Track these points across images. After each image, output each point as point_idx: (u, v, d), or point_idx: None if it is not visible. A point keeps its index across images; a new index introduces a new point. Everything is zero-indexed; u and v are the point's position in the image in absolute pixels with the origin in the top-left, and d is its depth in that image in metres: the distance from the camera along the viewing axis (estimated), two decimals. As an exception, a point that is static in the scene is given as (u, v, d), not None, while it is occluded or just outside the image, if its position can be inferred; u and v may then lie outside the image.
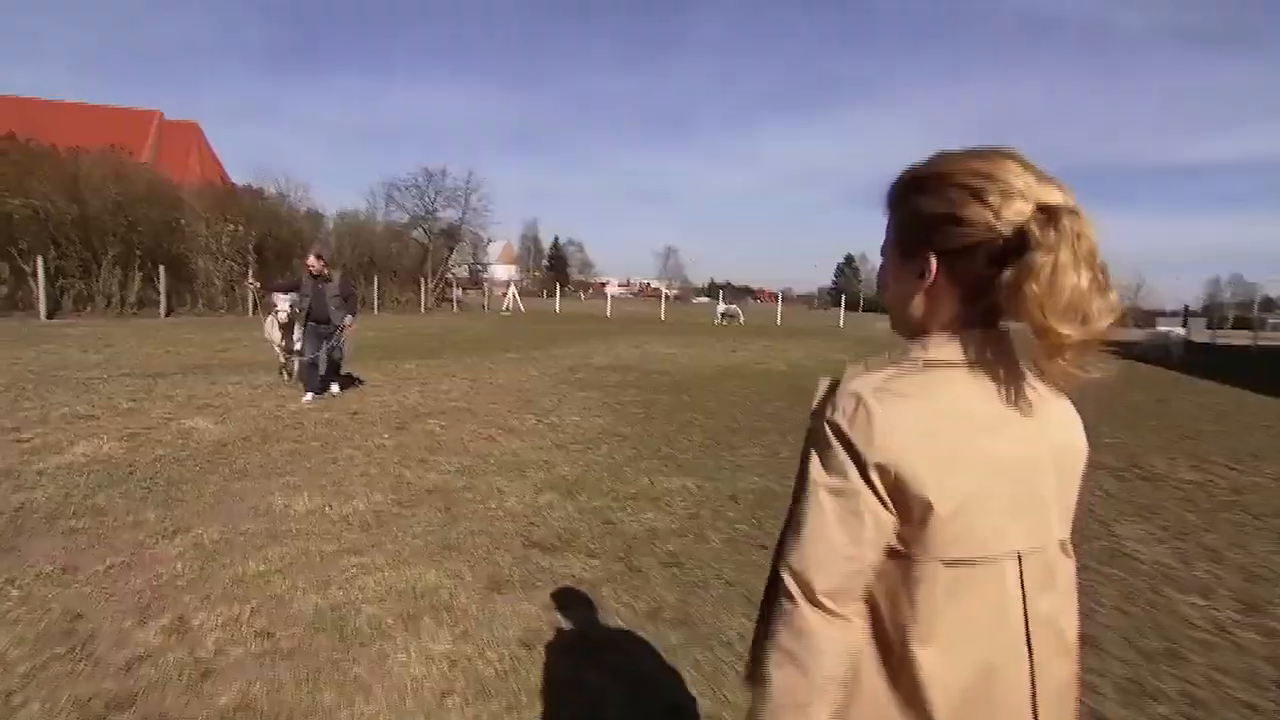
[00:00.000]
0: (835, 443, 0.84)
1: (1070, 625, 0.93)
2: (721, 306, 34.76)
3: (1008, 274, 0.82)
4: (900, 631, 0.85)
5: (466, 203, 42.83)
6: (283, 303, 8.13)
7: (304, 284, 7.97)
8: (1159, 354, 18.82)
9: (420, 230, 42.25)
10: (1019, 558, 0.86)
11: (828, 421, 0.85)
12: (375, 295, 31.63)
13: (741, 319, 33.69)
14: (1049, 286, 0.79)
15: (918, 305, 0.92)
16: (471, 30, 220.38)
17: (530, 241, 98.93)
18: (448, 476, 5.22)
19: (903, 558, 0.85)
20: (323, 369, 8.04)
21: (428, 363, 12.04)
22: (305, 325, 8.05)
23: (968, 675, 0.84)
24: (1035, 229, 0.81)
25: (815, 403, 0.90)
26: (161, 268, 22.65)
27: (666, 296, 49.31)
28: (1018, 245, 0.82)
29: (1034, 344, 0.83)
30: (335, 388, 8.13)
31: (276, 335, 8.54)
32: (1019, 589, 0.86)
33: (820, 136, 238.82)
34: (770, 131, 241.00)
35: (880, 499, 0.83)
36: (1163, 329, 20.52)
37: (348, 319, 8.07)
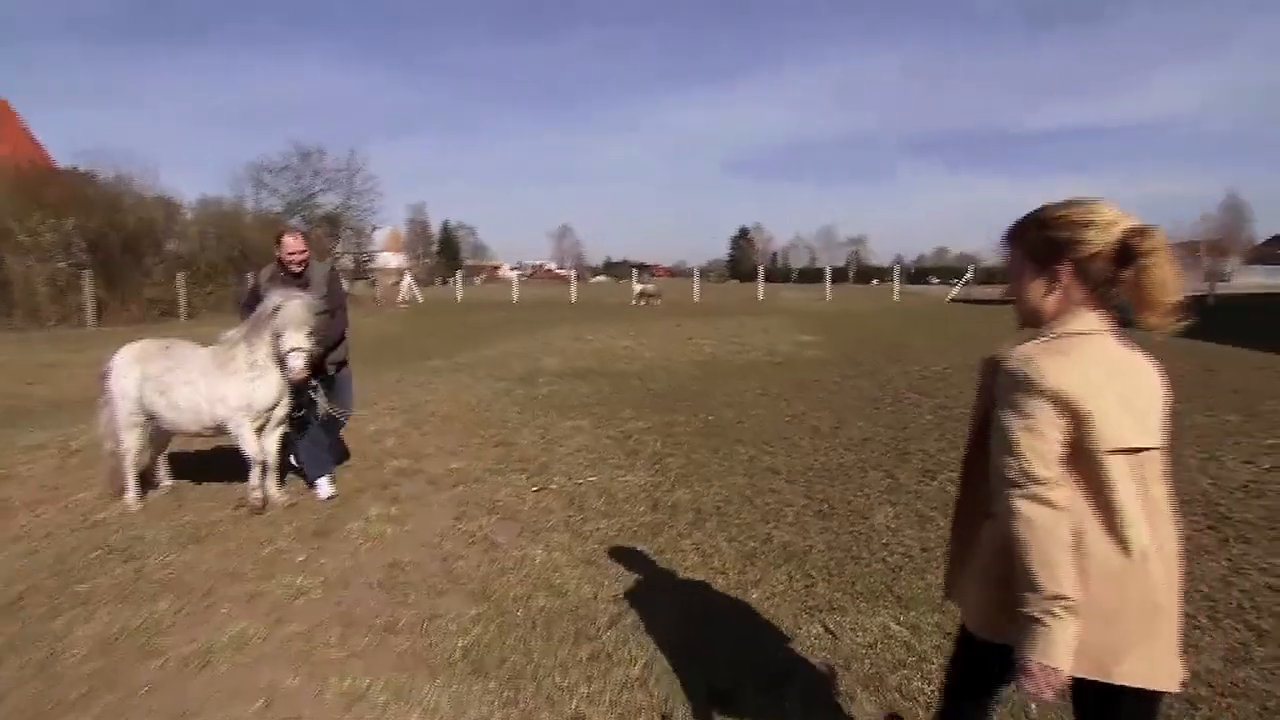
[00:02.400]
0: (1021, 385, 1.39)
1: (1170, 509, 1.46)
2: (638, 286, 32.61)
3: (1128, 272, 1.40)
4: (1103, 506, 1.39)
5: (350, 185, 38.25)
6: (292, 333, 4.18)
7: (267, 287, 4.50)
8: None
9: (298, 218, 37.41)
10: (1147, 452, 1.41)
11: (1014, 374, 1.40)
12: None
13: (660, 299, 31.74)
14: (1161, 276, 1.38)
15: (1051, 302, 1.49)
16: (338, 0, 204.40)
17: (419, 227, 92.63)
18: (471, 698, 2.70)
19: (1084, 450, 1.37)
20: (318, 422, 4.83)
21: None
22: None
23: (1147, 538, 1.39)
24: (1137, 242, 1.39)
25: (988, 371, 1.53)
26: (-43, 274, 17.85)
27: (571, 277, 46.95)
28: (1123, 254, 1.40)
29: (1147, 313, 1.40)
30: (326, 485, 4.75)
31: (263, 397, 4.36)
32: (1147, 475, 1.42)
33: (705, 107, 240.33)
34: (657, 104, 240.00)
35: (1053, 418, 1.36)
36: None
37: (345, 345, 4.88)
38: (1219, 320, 13.19)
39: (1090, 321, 1.44)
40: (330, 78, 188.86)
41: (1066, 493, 1.37)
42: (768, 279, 41.33)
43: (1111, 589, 1.36)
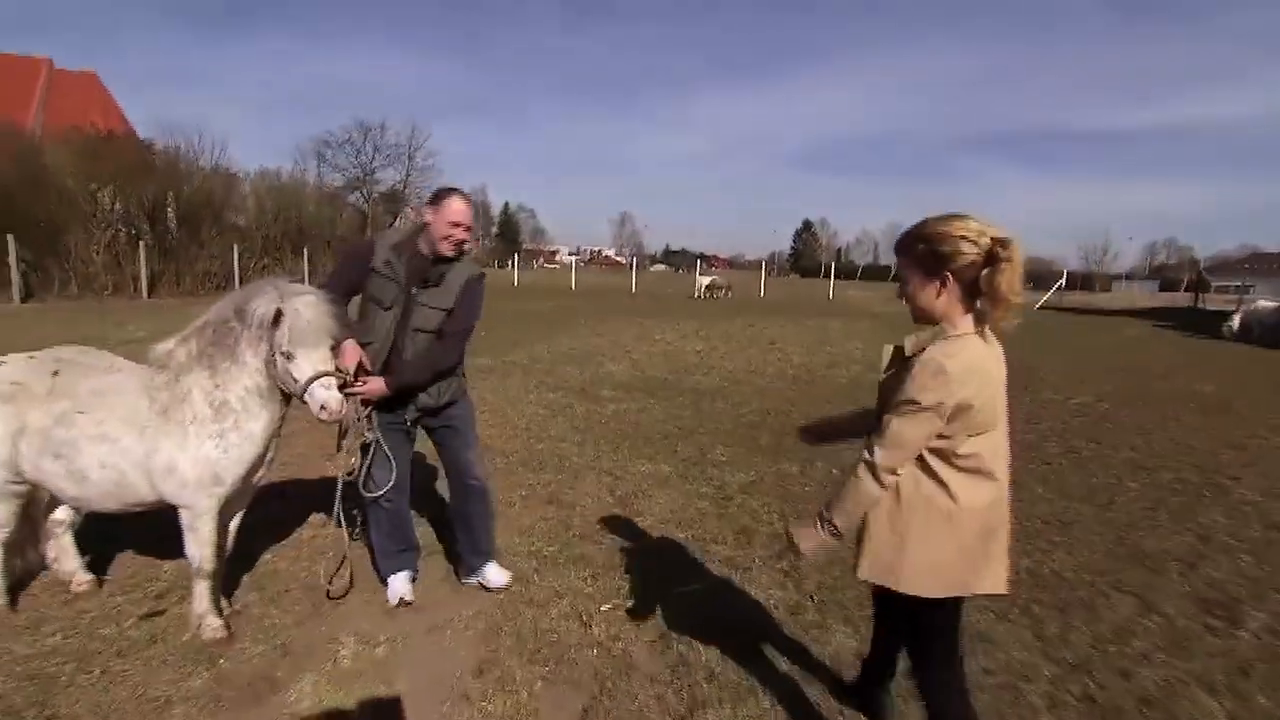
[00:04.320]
0: (928, 385, 1.69)
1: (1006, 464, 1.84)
2: (706, 279, 30.66)
3: (985, 273, 1.70)
4: (951, 472, 1.77)
5: (410, 162, 37.42)
6: (310, 352, 2.56)
7: (386, 267, 2.88)
8: (1269, 334, 15.72)
9: (358, 194, 36.88)
10: (999, 429, 1.80)
11: (920, 376, 1.70)
12: (307, 269, 26.60)
13: (729, 292, 29.76)
14: (1010, 279, 1.68)
15: (940, 305, 1.78)
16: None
17: (479, 208, 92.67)
18: None
19: (961, 430, 1.73)
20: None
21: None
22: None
23: (991, 494, 1.80)
24: (999, 250, 1.69)
25: (892, 360, 1.91)
26: (10, 238, 17.37)
27: (630, 266, 45.34)
28: (988, 259, 1.70)
29: (998, 310, 1.71)
30: (494, 573, 3.24)
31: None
32: (998, 444, 1.80)
33: (771, 100, 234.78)
34: (721, 95, 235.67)
35: (940, 414, 1.70)
36: (1267, 303, 17.29)
37: (458, 377, 3.11)
38: None
39: (968, 323, 1.76)
40: (393, 61, 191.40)
41: (895, 479, 1.80)
42: (825, 274, 38.95)
43: (968, 531, 1.78)
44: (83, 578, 3.12)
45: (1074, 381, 9.82)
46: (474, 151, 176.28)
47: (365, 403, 2.82)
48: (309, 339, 2.53)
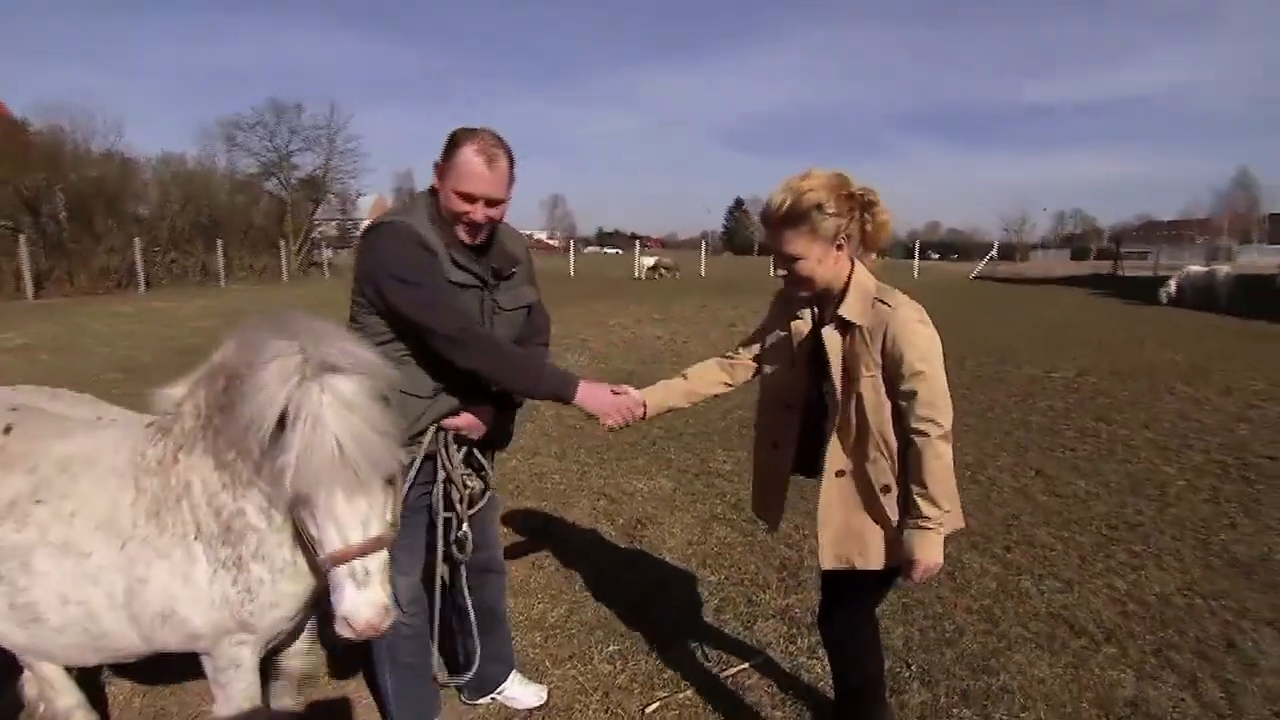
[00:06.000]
0: (928, 334, 1.63)
1: None
2: (650, 259, 29.80)
3: (869, 227, 1.68)
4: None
5: (331, 145, 34.85)
6: (341, 504, 1.37)
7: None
8: (1200, 297, 16.21)
9: (275, 180, 34.26)
10: None
11: (915, 330, 1.62)
12: (222, 264, 24.47)
13: (677, 272, 29.06)
14: (884, 228, 1.69)
15: (840, 270, 1.69)
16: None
17: (405, 195, 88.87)
18: None
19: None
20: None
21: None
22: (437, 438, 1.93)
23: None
24: (876, 203, 1.67)
25: (875, 314, 1.67)
26: None
27: (565, 248, 44.21)
28: (865, 213, 1.67)
29: (871, 255, 1.74)
30: (519, 690, 2.33)
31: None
32: None
33: (699, 77, 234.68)
34: (650, 74, 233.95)
35: None
36: (1197, 268, 17.86)
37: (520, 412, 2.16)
38: None
39: (865, 273, 1.74)
40: (312, 38, 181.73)
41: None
42: (764, 252, 38.94)
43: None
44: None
45: (1047, 354, 9.60)
46: (400, 135, 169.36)
47: (460, 440, 1.95)
48: (334, 479, 1.33)
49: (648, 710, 2.27)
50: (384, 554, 1.42)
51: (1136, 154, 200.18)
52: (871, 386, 1.64)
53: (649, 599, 3.03)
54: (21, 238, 18.45)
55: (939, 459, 1.59)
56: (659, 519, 3.88)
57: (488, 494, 2.08)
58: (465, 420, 1.91)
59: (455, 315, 1.74)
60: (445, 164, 1.78)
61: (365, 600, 1.37)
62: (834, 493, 1.72)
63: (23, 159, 19.64)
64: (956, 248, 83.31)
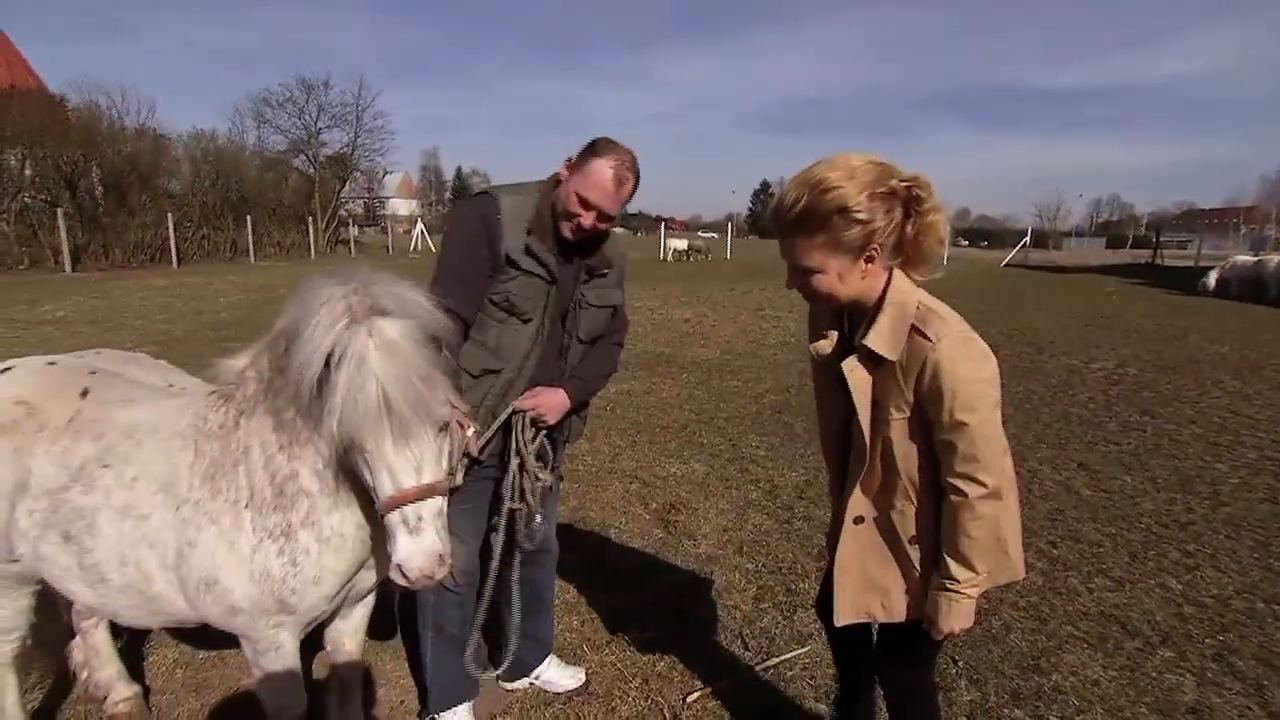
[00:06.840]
0: (985, 368, 1.32)
1: None
2: (681, 241, 29.48)
3: (912, 230, 1.33)
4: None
5: (358, 122, 34.96)
6: (393, 445, 1.35)
7: (513, 282, 1.84)
8: (1246, 288, 15.67)
9: (303, 158, 34.48)
10: None
11: (967, 362, 1.30)
12: (251, 240, 24.77)
13: (708, 255, 28.79)
14: (933, 232, 1.35)
15: (869, 284, 1.37)
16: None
17: (430, 174, 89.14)
18: None
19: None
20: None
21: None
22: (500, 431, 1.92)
23: None
24: (919, 193, 1.31)
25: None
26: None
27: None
28: (909, 212, 1.32)
29: (921, 268, 1.41)
30: (557, 672, 2.33)
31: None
32: None
33: (725, 58, 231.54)
34: (679, 55, 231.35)
35: None
36: (1244, 258, 17.26)
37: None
38: None
39: (904, 281, 1.42)
40: (338, 17, 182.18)
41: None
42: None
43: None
44: (122, 693, 2.12)
45: (1086, 345, 9.34)
46: (427, 115, 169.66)
47: (536, 426, 1.89)
48: (380, 422, 1.32)
49: (689, 699, 2.22)
50: (438, 501, 1.39)
51: (1178, 139, 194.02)
52: (901, 430, 1.37)
53: (685, 586, 2.98)
54: (60, 212, 18.81)
55: (977, 521, 1.33)
56: (693, 504, 3.83)
57: (556, 486, 2.09)
58: (541, 401, 1.89)
59: (442, 291, 1.64)
60: (578, 163, 1.82)
61: (419, 548, 1.35)
62: (851, 541, 1.49)
63: (63, 135, 19.93)
64: (986, 234, 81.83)
